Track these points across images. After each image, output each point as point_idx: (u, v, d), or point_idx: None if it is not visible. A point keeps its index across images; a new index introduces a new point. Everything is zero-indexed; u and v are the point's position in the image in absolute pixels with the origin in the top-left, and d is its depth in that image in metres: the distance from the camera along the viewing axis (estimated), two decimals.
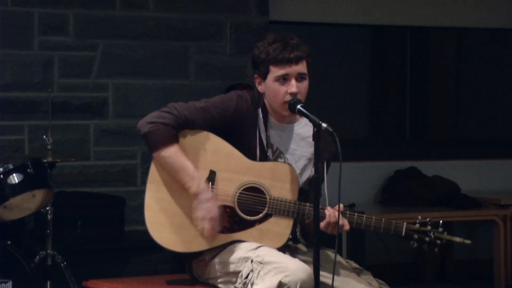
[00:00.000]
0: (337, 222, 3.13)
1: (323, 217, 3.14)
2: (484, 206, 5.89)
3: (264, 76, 3.25)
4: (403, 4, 6.31)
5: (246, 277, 3.12)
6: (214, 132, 3.24)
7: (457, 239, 3.23)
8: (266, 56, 3.22)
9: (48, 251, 4.51)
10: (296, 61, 3.21)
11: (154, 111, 3.24)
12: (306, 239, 3.34)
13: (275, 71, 3.21)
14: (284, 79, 3.21)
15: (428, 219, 3.24)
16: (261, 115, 3.27)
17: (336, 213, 3.15)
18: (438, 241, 3.23)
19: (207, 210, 3.16)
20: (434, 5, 6.37)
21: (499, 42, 6.76)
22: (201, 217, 3.17)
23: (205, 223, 3.17)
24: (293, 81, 3.21)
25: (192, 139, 3.22)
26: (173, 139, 3.18)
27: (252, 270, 3.11)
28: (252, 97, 3.29)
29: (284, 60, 3.20)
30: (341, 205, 3.15)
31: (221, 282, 3.24)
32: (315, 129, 3.02)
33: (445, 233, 3.23)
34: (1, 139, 5.34)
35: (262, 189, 3.22)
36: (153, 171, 3.24)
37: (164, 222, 3.21)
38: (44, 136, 4.59)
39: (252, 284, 3.11)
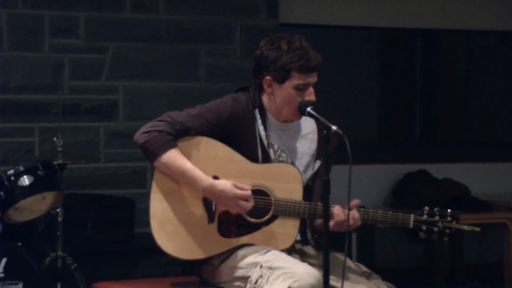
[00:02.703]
0: (346, 220, 3.12)
1: (331, 216, 3.15)
2: (495, 209, 5.88)
3: (281, 80, 3.22)
4: (413, 6, 6.31)
5: (255, 283, 3.12)
6: (213, 137, 3.23)
7: (466, 227, 3.22)
8: (290, 62, 3.18)
9: (58, 253, 4.53)
10: (317, 70, 3.22)
11: (149, 122, 3.24)
12: (315, 241, 3.34)
13: (298, 79, 3.19)
14: (303, 87, 3.21)
15: (435, 209, 3.23)
16: (258, 116, 3.27)
17: (346, 211, 3.15)
18: (447, 231, 3.22)
19: (226, 203, 3.16)
20: (444, 7, 6.36)
21: (509, 45, 6.74)
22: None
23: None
24: (311, 89, 3.22)
25: (191, 145, 3.22)
26: (170, 145, 3.17)
27: (261, 276, 3.11)
28: (247, 99, 3.27)
29: (310, 69, 3.20)
30: (357, 201, 3.16)
31: (230, 287, 3.24)
32: (324, 132, 3.02)
33: (454, 222, 3.22)
34: (12, 141, 5.36)
35: (266, 191, 3.21)
36: (156, 181, 3.23)
37: (170, 231, 3.21)
38: (55, 138, 4.61)
39: None
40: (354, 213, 3.18)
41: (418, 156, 6.34)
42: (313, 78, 3.22)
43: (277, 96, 3.25)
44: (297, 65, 3.18)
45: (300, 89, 3.20)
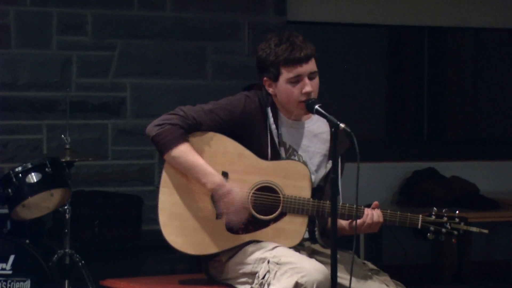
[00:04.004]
0: (372, 223, 3.16)
1: (361, 216, 3.16)
2: (503, 207, 5.87)
3: (274, 79, 3.22)
4: (421, 4, 6.29)
5: (263, 278, 3.11)
6: (224, 133, 3.22)
7: (474, 229, 3.21)
8: (276, 58, 3.18)
9: (66, 250, 4.53)
10: (307, 60, 3.19)
11: (162, 115, 3.24)
12: (324, 240, 3.34)
13: (287, 73, 3.19)
14: (297, 79, 3.21)
15: (444, 210, 3.22)
16: (270, 114, 3.26)
17: (375, 213, 3.16)
18: (455, 232, 3.21)
19: (227, 204, 3.16)
20: (452, 5, 6.34)
21: None
22: (224, 212, 3.17)
23: (227, 217, 3.17)
24: (306, 80, 3.20)
25: (202, 141, 3.21)
26: (182, 138, 3.17)
27: (268, 271, 3.10)
28: (260, 97, 3.27)
29: (296, 61, 3.18)
30: (376, 203, 3.18)
31: (237, 283, 3.24)
32: (332, 129, 3.02)
33: (462, 223, 3.21)
34: (20, 138, 5.37)
35: (275, 188, 3.21)
36: (165, 175, 3.23)
37: (178, 225, 3.20)
38: (62, 136, 4.61)
39: (268, 285, 3.09)
40: (378, 211, 3.19)
41: (426, 154, 6.33)
42: (304, 68, 3.19)
43: (278, 95, 3.25)
44: (282, 59, 3.18)
45: (294, 82, 3.20)
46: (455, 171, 6.13)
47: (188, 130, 3.19)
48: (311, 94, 3.19)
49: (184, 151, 3.17)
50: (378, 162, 6.09)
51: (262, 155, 3.23)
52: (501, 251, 6.18)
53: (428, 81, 6.52)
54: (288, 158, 3.27)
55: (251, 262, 3.18)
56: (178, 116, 3.19)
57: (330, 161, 3.28)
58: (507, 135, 6.69)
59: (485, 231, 3.21)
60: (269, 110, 3.26)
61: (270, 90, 3.26)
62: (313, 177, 3.25)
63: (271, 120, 3.26)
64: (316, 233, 3.32)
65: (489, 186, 6.12)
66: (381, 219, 3.19)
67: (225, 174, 3.21)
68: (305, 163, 3.26)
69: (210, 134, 3.23)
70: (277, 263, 3.09)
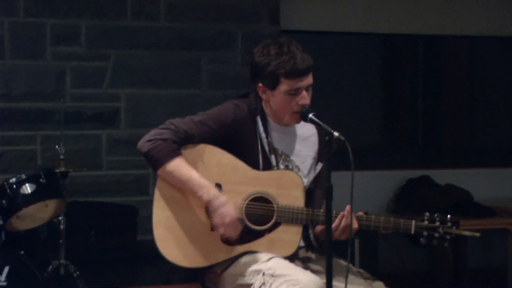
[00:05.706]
0: (346, 226, 3.13)
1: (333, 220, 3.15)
2: (498, 215, 5.87)
3: (272, 87, 3.22)
4: (415, 12, 6.31)
5: None
6: (215, 144, 3.23)
7: (466, 232, 3.23)
8: (277, 69, 3.18)
9: (61, 261, 4.53)
10: (307, 73, 3.20)
11: (152, 130, 3.23)
12: (319, 244, 3.33)
13: (288, 85, 3.19)
14: (295, 92, 3.20)
15: (436, 215, 3.24)
16: (260, 123, 3.27)
17: (345, 218, 3.15)
18: (448, 236, 3.23)
19: (222, 215, 3.15)
20: (446, 13, 6.36)
21: None
22: (219, 224, 3.16)
23: (223, 229, 3.16)
24: (304, 93, 3.20)
25: (194, 153, 3.21)
26: (175, 153, 3.16)
27: (263, 283, 3.10)
28: (248, 105, 3.28)
29: (298, 74, 3.18)
30: (348, 207, 3.16)
31: None
32: (326, 138, 3.02)
33: (454, 227, 3.23)
34: (14, 149, 5.37)
35: (269, 198, 3.21)
36: (158, 189, 3.23)
37: (172, 239, 3.20)
38: (57, 146, 4.61)
39: None
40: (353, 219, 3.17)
41: (421, 161, 6.34)
42: (304, 82, 3.20)
43: (271, 102, 3.25)
44: (284, 71, 3.17)
45: (292, 94, 3.20)
46: (450, 178, 6.13)
47: (180, 144, 3.19)
48: (306, 106, 3.20)
49: (178, 165, 3.16)
50: (373, 170, 6.09)
51: (254, 162, 3.23)
52: (497, 258, 6.18)
53: (423, 89, 6.53)
54: (280, 164, 3.27)
55: (246, 273, 3.17)
56: (169, 130, 3.18)
57: (319, 164, 3.30)
58: (502, 142, 6.70)
59: (477, 234, 3.23)
60: (258, 118, 3.27)
61: (263, 96, 3.26)
62: (305, 180, 3.26)
63: (261, 128, 3.26)
64: (311, 235, 3.32)
65: (484, 193, 6.13)
66: (355, 225, 3.16)
67: (218, 186, 3.21)
68: (298, 168, 3.27)
69: (204, 146, 3.22)
70: (272, 275, 3.09)
